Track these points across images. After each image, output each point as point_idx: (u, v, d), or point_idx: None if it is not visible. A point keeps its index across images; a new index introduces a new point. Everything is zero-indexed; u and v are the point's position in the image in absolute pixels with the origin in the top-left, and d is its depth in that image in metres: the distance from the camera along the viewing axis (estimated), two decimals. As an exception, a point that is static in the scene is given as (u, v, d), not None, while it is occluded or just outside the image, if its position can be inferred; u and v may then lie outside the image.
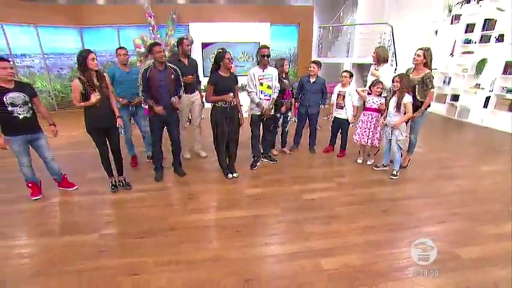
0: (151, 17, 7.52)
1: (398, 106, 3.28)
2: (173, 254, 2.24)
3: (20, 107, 2.73)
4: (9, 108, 2.67)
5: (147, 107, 3.31)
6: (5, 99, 2.64)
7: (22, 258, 2.25)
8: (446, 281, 1.95)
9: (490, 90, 5.88)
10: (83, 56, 2.73)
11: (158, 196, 3.17)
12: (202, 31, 7.96)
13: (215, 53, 3.25)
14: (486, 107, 5.96)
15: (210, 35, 8.02)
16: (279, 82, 3.75)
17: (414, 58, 3.44)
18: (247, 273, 2.04)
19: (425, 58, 3.37)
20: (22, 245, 2.44)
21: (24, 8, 7.00)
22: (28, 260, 2.23)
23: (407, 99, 3.27)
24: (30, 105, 2.82)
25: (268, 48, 3.49)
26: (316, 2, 8.87)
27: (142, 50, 7.15)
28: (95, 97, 2.79)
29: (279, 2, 8.94)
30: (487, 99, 5.94)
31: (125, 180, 3.34)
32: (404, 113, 3.33)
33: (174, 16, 7.61)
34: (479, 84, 6.15)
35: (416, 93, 3.45)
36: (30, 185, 3.07)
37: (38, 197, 3.07)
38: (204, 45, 8.04)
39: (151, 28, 7.57)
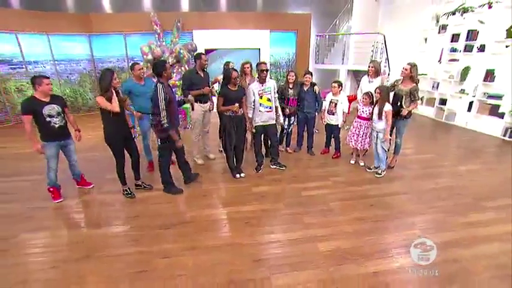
0: (156, 25, 7.94)
1: (380, 114, 3.76)
2: (194, 241, 2.69)
3: (56, 117, 3.16)
4: (47, 119, 3.10)
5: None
6: (43, 112, 3.07)
7: (68, 245, 2.69)
8: (417, 259, 2.42)
9: (473, 96, 6.39)
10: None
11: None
12: (205, 38, 8.38)
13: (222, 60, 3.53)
14: (470, 111, 6.47)
15: (212, 41, 8.45)
16: (285, 92, 4.27)
17: (402, 71, 3.88)
18: (256, 255, 2.50)
19: (412, 72, 3.79)
20: (65, 235, 2.88)
21: (36, 18, 7.40)
22: (73, 246, 2.66)
23: (388, 107, 3.73)
24: (62, 115, 3.24)
25: (266, 63, 3.94)
26: (314, 10, 9.32)
27: (149, 57, 7.55)
28: (115, 101, 3.05)
29: (278, 10, 9.38)
30: (471, 103, 6.45)
31: (144, 183, 3.71)
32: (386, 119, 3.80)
33: (179, 24, 8.04)
34: (463, 90, 6.65)
35: (403, 103, 3.87)
36: (51, 189, 3.38)
37: (60, 200, 3.40)
38: (207, 52, 8.46)
39: (157, 35, 7.99)
